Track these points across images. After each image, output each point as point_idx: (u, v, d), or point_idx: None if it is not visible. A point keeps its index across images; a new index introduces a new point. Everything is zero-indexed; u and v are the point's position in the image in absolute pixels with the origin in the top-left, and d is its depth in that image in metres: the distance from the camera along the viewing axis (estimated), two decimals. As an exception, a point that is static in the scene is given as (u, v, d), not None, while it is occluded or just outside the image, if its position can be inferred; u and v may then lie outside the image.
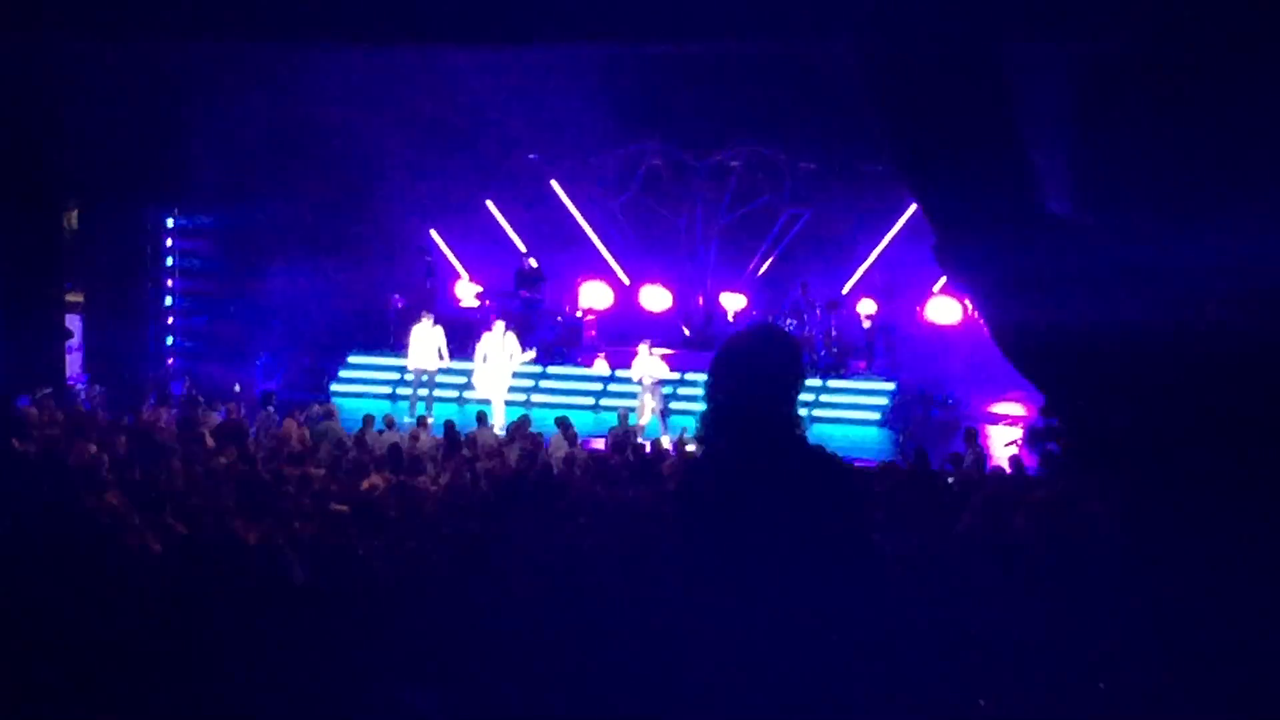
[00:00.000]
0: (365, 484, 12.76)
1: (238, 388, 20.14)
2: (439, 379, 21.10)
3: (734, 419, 4.10)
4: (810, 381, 22.13)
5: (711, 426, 4.14)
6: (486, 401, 19.81)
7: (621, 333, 23.78)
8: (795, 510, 3.98)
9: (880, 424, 21.33)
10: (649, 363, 20.16)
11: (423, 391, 20.72)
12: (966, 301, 22.87)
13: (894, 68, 3.52)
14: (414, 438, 15.95)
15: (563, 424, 16.75)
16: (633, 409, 19.53)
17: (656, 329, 23.05)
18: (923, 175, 3.69)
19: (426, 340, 20.80)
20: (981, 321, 3.96)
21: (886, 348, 23.12)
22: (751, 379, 4.10)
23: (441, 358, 20.91)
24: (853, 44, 3.57)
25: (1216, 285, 3.52)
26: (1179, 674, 5.65)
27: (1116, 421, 3.57)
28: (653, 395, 20.00)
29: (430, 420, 18.34)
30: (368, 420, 16.89)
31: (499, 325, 20.72)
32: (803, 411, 4.19)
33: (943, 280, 23.98)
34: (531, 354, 21.21)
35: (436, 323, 21.06)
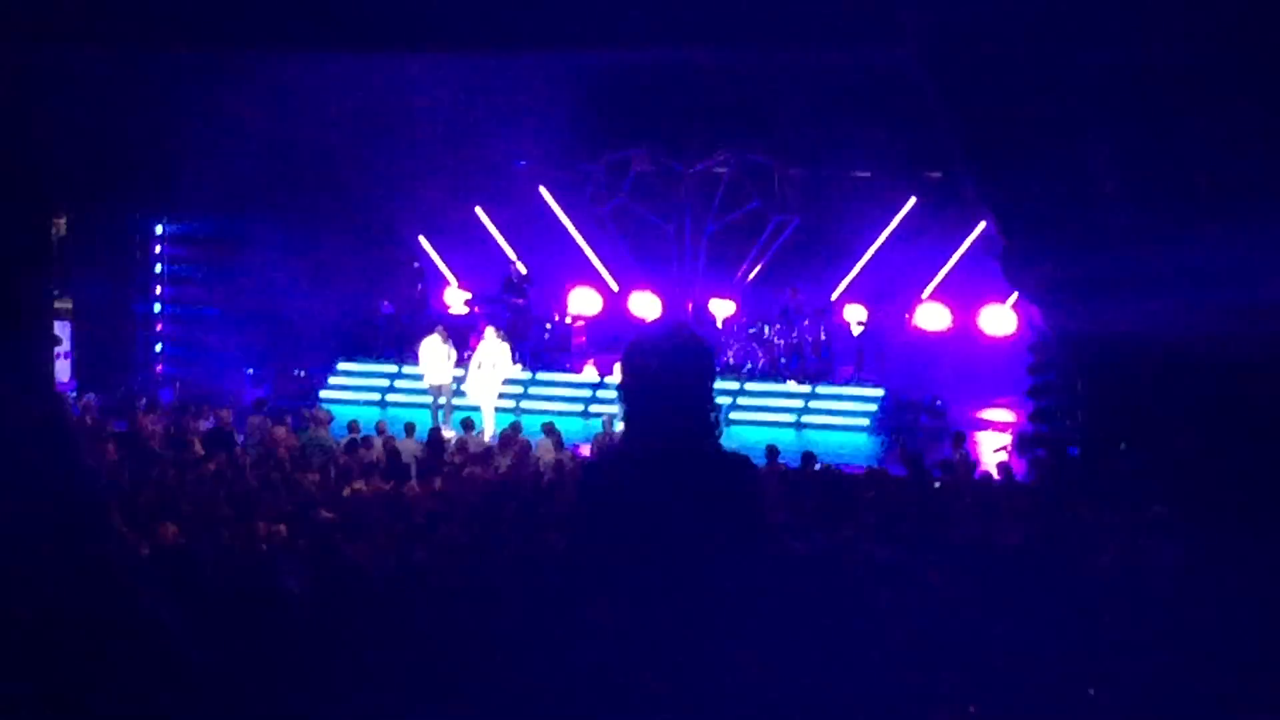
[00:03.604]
0: (348, 490, 12.77)
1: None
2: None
3: (648, 418, 4.09)
4: (799, 388, 22.18)
5: (628, 426, 4.15)
6: (475, 407, 19.78)
7: (611, 339, 23.79)
8: (698, 510, 3.98)
9: (869, 430, 21.35)
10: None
11: (441, 400, 20.59)
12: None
13: (961, 75, 3.56)
14: (381, 441, 15.95)
15: (549, 430, 16.74)
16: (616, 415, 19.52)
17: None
18: (989, 178, 3.73)
19: (437, 354, 20.65)
20: (1044, 326, 3.98)
21: (875, 354, 23.14)
22: (664, 378, 4.08)
23: (449, 360, 20.76)
24: (920, 52, 3.61)
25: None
26: (1172, 678, 5.66)
27: (1175, 433, 3.60)
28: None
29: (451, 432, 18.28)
30: (353, 426, 16.87)
31: (490, 332, 20.67)
32: (723, 401, 4.18)
33: (931, 287, 24.06)
34: (519, 368, 21.21)
35: (448, 335, 20.91)
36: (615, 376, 20.42)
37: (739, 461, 4.15)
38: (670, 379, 4.07)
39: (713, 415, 4.11)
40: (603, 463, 4.37)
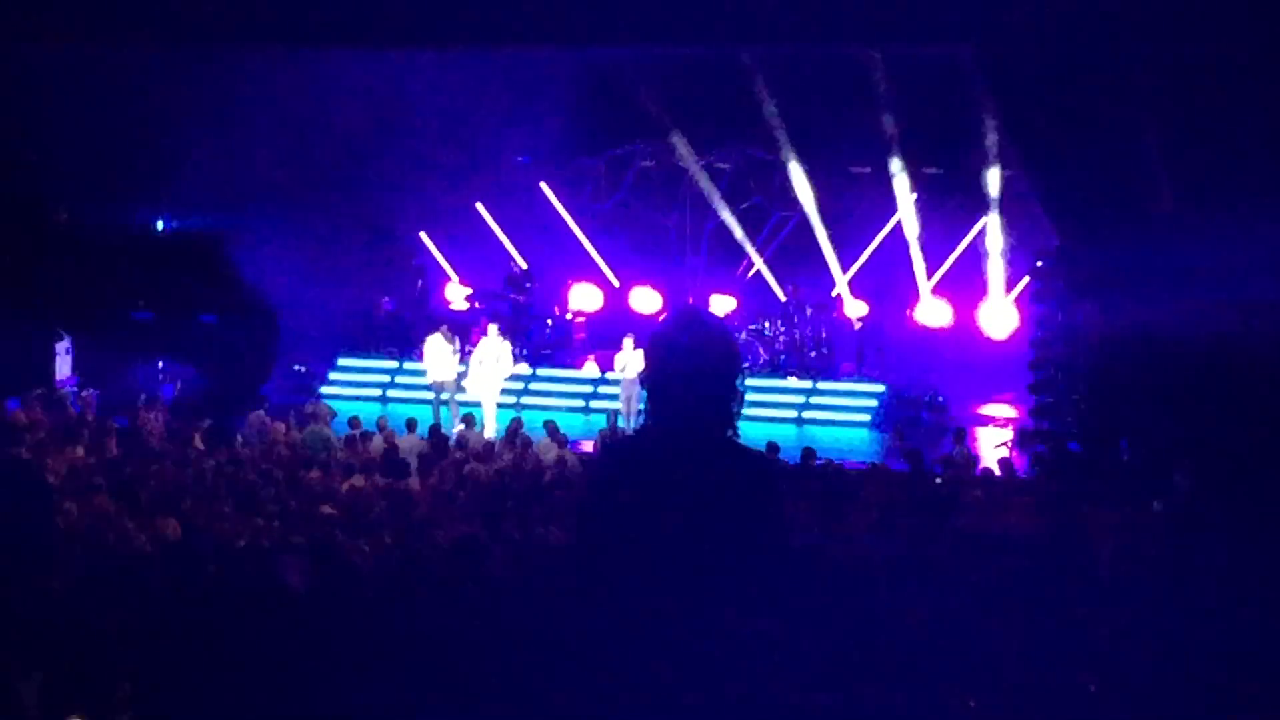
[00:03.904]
0: (346, 485, 12.77)
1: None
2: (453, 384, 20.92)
3: (670, 407, 4.07)
4: (800, 384, 22.17)
5: (648, 414, 4.13)
6: (476, 404, 19.77)
7: (611, 335, 23.77)
8: (713, 503, 3.96)
9: (870, 426, 21.34)
10: (633, 358, 20.12)
11: (444, 396, 20.58)
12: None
13: (1017, 73, 3.59)
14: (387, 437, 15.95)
15: (551, 427, 16.74)
16: (620, 412, 19.54)
17: (646, 331, 22.97)
18: (1045, 175, 3.76)
19: (441, 351, 20.66)
20: (1101, 320, 3.99)
21: (876, 350, 23.13)
22: (688, 368, 4.06)
23: (453, 357, 20.75)
24: (976, 51, 3.63)
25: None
26: (1171, 675, 5.66)
27: (1188, 429, 3.62)
28: (635, 390, 19.96)
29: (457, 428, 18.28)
30: (354, 422, 16.86)
31: (493, 330, 20.66)
32: (744, 395, 4.13)
33: (933, 281, 24.05)
34: (524, 366, 21.27)
35: (453, 332, 20.90)
36: (617, 370, 20.44)
37: (756, 456, 4.12)
38: (695, 369, 4.05)
39: (735, 408, 4.08)
40: (614, 453, 4.30)
